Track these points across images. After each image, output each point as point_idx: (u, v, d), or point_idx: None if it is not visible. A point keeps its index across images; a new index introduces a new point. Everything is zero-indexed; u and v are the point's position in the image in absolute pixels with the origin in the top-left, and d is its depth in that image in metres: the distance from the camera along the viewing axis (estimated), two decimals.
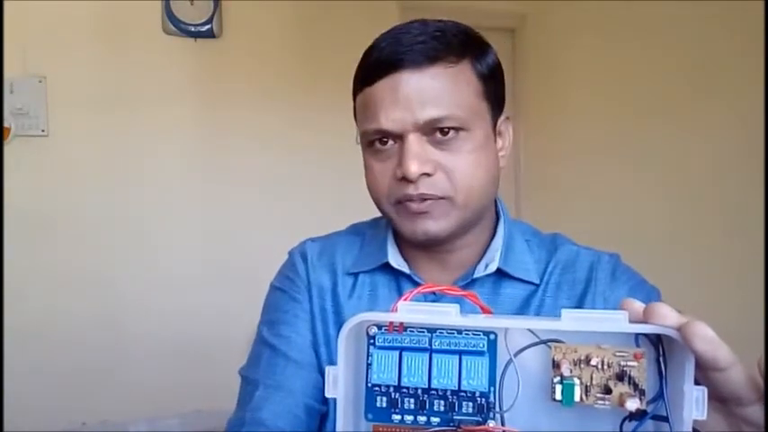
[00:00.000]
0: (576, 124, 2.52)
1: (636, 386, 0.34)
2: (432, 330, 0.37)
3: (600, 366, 0.34)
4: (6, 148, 2.06)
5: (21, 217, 2.09)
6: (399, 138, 0.60)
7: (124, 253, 2.24)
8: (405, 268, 0.67)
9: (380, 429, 0.38)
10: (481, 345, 0.36)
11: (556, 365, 0.35)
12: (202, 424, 2.13)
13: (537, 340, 0.36)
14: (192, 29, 2.24)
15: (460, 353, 0.36)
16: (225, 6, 2.31)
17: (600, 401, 0.34)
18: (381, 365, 0.36)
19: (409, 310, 0.35)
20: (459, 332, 0.36)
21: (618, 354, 0.34)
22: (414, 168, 0.57)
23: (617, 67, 2.33)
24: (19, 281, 2.05)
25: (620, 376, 0.34)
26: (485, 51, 0.63)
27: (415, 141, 0.58)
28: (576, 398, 0.34)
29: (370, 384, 0.37)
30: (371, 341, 0.37)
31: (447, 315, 0.34)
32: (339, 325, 0.66)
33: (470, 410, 0.36)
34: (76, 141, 2.18)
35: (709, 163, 1.96)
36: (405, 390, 0.37)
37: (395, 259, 0.67)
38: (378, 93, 0.60)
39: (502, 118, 0.66)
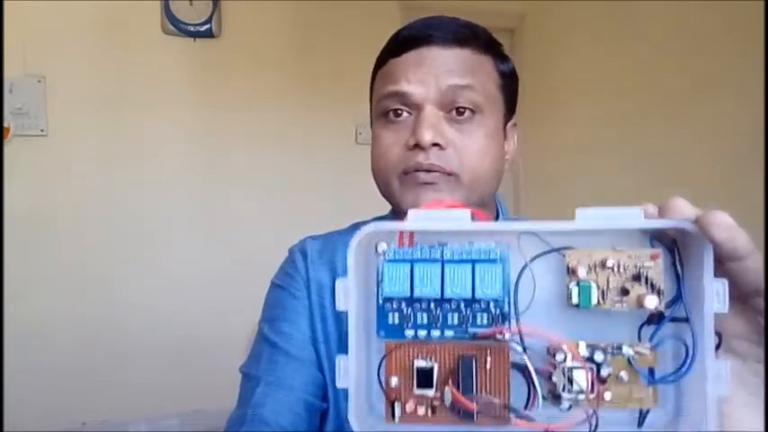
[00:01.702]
0: (576, 124, 2.52)
1: (653, 287, 0.33)
2: (443, 243, 0.36)
3: (616, 269, 0.34)
4: (6, 148, 2.06)
5: (20, 217, 2.08)
6: (416, 108, 0.61)
7: (124, 253, 2.23)
8: None
9: (393, 346, 0.37)
10: (494, 253, 0.35)
11: (571, 271, 0.34)
12: (202, 424, 2.13)
13: (549, 248, 0.35)
14: (192, 29, 2.25)
15: (473, 261, 0.35)
16: (224, 6, 2.31)
17: (618, 304, 0.33)
18: (393, 279, 0.35)
19: (421, 218, 0.34)
20: (471, 243, 0.36)
21: (634, 255, 0.33)
22: (428, 136, 0.58)
23: (617, 66, 2.33)
24: (19, 281, 2.05)
25: (637, 277, 0.33)
26: (505, 57, 0.67)
27: (431, 113, 0.60)
28: (594, 301, 0.33)
29: (381, 301, 0.36)
30: (382, 256, 0.36)
31: (459, 220, 0.34)
32: (338, 323, 0.66)
33: (485, 322, 0.35)
34: (76, 141, 2.18)
35: (709, 163, 1.95)
36: (417, 303, 0.36)
37: None
38: (403, 61, 0.62)
39: (511, 122, 0.68)
